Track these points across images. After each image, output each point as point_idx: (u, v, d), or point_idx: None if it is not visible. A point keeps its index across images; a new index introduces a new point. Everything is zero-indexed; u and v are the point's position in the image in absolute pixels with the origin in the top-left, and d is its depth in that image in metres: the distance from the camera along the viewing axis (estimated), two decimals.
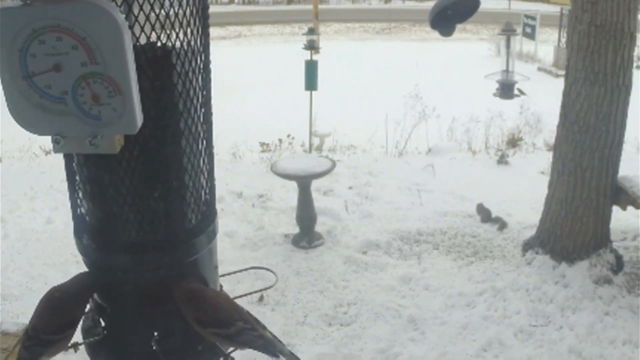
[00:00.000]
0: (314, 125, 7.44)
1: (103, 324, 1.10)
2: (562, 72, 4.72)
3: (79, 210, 1.08)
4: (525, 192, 5.57)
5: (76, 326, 1.11)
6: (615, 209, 4.14)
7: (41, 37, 0.81)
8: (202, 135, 1.05)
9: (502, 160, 6.65)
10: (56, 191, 5.58)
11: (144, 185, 0.99)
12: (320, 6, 21.55)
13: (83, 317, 1.13)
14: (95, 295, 1.11)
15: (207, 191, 1.10)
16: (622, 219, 4.57)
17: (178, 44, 0.95)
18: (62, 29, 0.80)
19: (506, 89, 4.44)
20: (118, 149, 0.89)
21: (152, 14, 0.91)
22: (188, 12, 0.95)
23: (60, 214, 5.12)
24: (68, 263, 4.32)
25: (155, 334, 1.04)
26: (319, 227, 4.74)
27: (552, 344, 3.41)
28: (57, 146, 0.87)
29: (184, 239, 1.04)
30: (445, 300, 3.84)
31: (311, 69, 6.75)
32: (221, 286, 1.22)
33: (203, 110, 1.05)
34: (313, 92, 6.89)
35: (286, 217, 5.05)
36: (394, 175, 6.09)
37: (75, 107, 0.84)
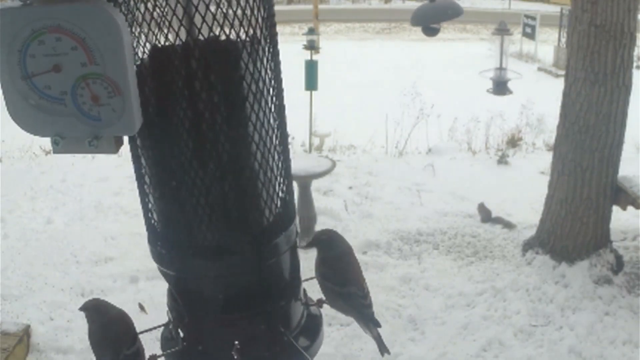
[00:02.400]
0: (314, 125, 7.44)
1: (182, 334, 1.05)
2: (562, 72, 4.73)
3: (150, 216, 1.04)
4: (525, 192, 5.57)
5: (137, 334, 1.14)
6: (615, 209, 4.14)
7: (40, 38, 0.80)
8: (275, 131, 1.01)
9: (502, 160, 6.65)
10: (56, 191, 5.58)
11: (217, 186, 0.96)
12: (320, 6, 21.55)
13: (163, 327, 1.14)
14: (171, 305, 1.08)
15: (284, 190, 1.06)
16: (622, 219, 4.57)
17: (244, 36, 0.92)
18: (62, 30, 0.80)
19: (500, 86, 4.58)
20: (118, 150, 0.89)
21: (213, 8, 0.88)
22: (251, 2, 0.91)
23: (60, 214, 5.12)
24: (68, 263, 4.32)
25: (236, 342, 1.00)
26: (319, 227, 4.74)
27: (552, 344, 3.40)
28: (57, 147, 0.87)
29: (261, 241, 1.00)
30: (445, 300, 3.84)
31: (311, 69, 6.75)
32: (304, 289, 1.19)
33: (275, 103, 1.00)
34: (313, 92, 6.88)
35: None
36: (394, 175, 6.09)
37: (75, 108, 0.84)
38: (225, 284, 1.01)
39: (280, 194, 1.05)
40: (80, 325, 3.58)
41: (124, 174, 5.52)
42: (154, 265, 1.05)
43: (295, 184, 4.68)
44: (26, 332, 3.39)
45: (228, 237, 0.99)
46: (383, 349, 1.19)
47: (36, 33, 0.80)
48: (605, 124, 3.86)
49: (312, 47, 6.97)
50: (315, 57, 6.94)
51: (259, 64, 0.95)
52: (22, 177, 5.90)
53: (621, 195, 4.03)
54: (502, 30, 4.70)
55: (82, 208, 5.22)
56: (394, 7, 27.47)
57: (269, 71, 0.98)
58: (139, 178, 1.03)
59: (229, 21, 0.90)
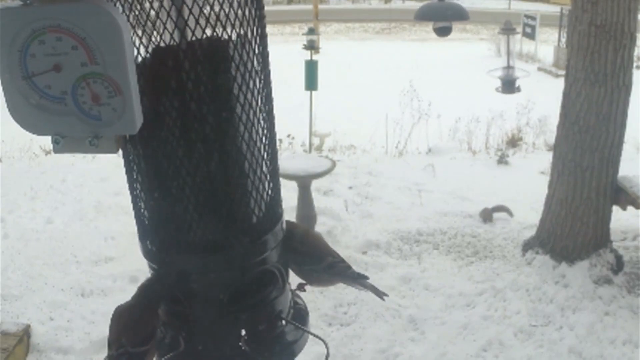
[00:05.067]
0: (314, 125, 7.44)
1: (183, 334, 1.06)
2: (562, 72, 4.73)
3: (141, 212, 1.05)
4: (525, 192, 5.57)
5: (156, 336, 1.09)
6: (615, 209, 4.14)
7: (41, 38, 0.80)
8: (264, 130, 1.03)
9: (502, 160, 6.66)
10: (56, 191, 5.58)
11: (206, 182, 0.97)
12: (320, 6, 21.55)
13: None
14: (166, 307, 1.07)
15: (271, 188, 1.07)
16: (622, 219, 4.57)
17: (234, 35, 0.93)
18: (62, 29, 0.80)
19: (508, 85, 4.61)
20: (118, 150, 0.89)
21: (206, 7, 0.89)
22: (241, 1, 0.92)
23: (60, 214, 5.12)
24: (68, 263, 4.33)
25: (243, 333, 1.02)
26: (319, 227, 4.74)
27: (552, 344, 3.41)
28: (57, 146, 0.87)
29: (249, 238, 1.02)
30: (445, 300, 3.84)
31: (311, 69, 6.75)
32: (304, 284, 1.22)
33: (264, 103, 1.02)
34: (313, 92, 6.88)
35: (286, 217, 5.05)
36: (394, 175, 6.09)
37: (75, 107, 0.84)
38: (211, 280, 1.02)
39: (269, 191, 1.06)
40: (81, 325, 3.58)
41: (124, 174, 5.52)
42: None
43: (295, 184, 4.69)
44: (26, 332, 3.39)
45: (217, 234, 1.00)
46: (380, 293, 1.22)
47: (36, 33, 0.80)
48: (605, 124, 3.86)
49: (312, 47, 6.97)
50: (315, 57, 6.94)
51: (249, 65, 0.96)
52: (22, 177, 5.89)
53: (621, 195, 4.03)
54: (508, 30, 4.73)
55: (82, 208, 5.22)
56: (394, 7, 27.45)
57: (259, 72, 1.00)
58: (129, 175, 1.04)
59: (220, 21, 0.90)
